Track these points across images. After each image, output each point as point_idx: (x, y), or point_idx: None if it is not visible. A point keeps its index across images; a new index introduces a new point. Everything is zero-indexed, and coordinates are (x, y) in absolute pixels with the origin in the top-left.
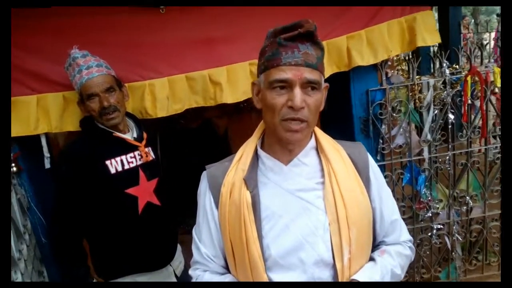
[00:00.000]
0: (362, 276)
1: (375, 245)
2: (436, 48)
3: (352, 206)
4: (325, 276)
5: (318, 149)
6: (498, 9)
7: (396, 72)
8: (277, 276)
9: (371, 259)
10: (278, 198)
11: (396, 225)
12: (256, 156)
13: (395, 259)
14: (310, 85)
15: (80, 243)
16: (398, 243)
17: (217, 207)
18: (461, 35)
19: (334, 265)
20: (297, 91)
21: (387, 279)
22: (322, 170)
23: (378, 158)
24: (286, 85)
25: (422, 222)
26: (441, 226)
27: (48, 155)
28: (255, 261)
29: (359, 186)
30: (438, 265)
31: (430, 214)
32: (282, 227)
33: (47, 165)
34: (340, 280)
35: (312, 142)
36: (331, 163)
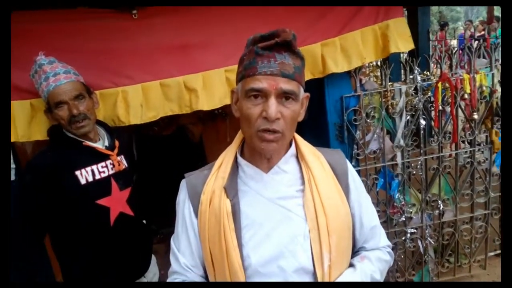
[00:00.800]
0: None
1: (355, 251)
2: (406, 56)
3: (332, 213)
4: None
5: (298, 156)
6: (462, 17)
7: (369, 78)
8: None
9: (351, 265)
10: (259, 206)
11: (375, 231)
12: (236, 164)
13: (374, 265)
14: (286, 96)
15: (41, 250)
16: (377, 248)
17: (196, 216)
18: (430, 42)
19: (314, 273)
20: (272, 101)
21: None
22: (302, 177)
23: (353, 163)
24: (261, 95)
25: (396, 227)
26: (415, 230)
27: (14, 166)
28: (235, 270)
29: (338, 193)
30: (412, 269)
31: (404, 219)
32: (263, 236)
33: (12, 176)
34: None
35: (292, 149)
36: (311, 170)
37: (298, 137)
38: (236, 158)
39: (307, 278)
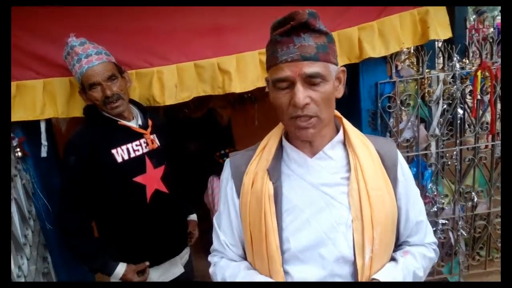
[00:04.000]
0: (383, 276)
1: (398, 245)
2: (440, 43)
3: (378, 205)
4: (345, 272)
5: (346, 143)
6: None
7: (406, 65)
8: (295, 269)
9: (393, 259)
10: (301, 191)
11: (421, 226)
12: (280, 146)
13: (418, 261)
14: (312, 79)
15: (92, 233)
16: (422, 244)
17: (238, 196)
18: (467, 30)
19: (354, 262)
20: (298, 88)
21: (409, 280)
22: (348, 164)
23: None
24: (289, 83)
25: (427, 217)
26: (446, 221)
27: (46, 143)
28: (273, 253)
29: (386, 184)
30: (441, 260)
31: (436, 209)
32: (303, 221)
33: (43, 153)
34: (360, 278)
35: (340, 135)
36: (358, 158)
37: (347, 123)
38: (281, 140)
39: (347, 268)
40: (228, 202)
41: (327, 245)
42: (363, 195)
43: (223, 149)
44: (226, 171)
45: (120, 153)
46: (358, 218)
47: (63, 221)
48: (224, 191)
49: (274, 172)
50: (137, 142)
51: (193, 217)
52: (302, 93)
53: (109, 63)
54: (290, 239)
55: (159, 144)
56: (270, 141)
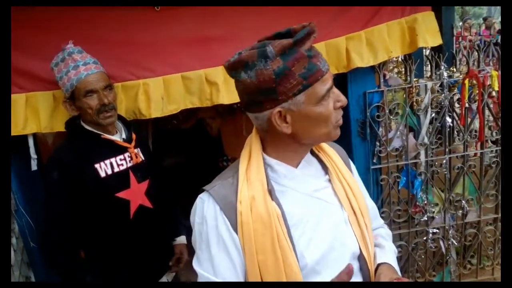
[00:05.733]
0: (387, 266)
1: None
2: (428, 51)
3: (359, 195)
4: (355, 268)
5: (314, 148)
6: (485, 13)
7: (393, 74)
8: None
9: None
10: (299, 203)
11: (376, 210)
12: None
13: (389, 241)
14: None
15: (77, 251)
16: (381, 226)
17: (235, 229)
18: (454, 38)
19: (361, 255)
20: (336, 90)
21: (395, 258)
22: (323, 168)
23: (375, 161)
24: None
25: (417, 226)
26: (437, 230)
27: (35, 157)
28: (295, 274)
29: (352, 177)
30: (433, 269)
31: (426, 218)
32: (311, 233)
33: (34, 167)
34: (370, 269)
35: None
36: (331, 158)
37: None
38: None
39: (355, 263)
40: (224, 241)
41: (338, 248)
42: (347, 189)
43: (221, 156)
44: (210, 207)
45: (104, 168)
46: (351, 213)
47: (48, 238)
48: (214, 231)
49: (273, 191)
50: (121, 156)
51: (181, 239)
52: None
53: (105, 74)
54: (304, 254)
55: (143, 158)
56: (253, 162)
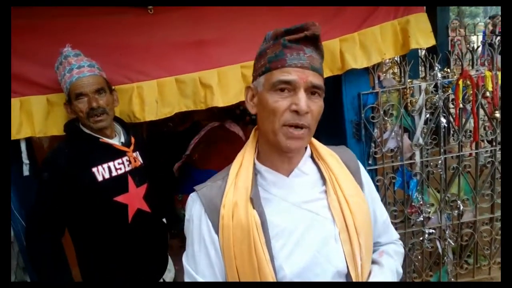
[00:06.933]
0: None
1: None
2: (424, 52)
3: (358, 211)
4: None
5: (315, 156)
6: (481, 12)
7: (387, 75)
8: None
9: (372, 261)
10: (285, 213)
11: (388, 225)
12: (253, 170)
13: (395, 259)
14: (313, 90)
15: (59, 249)
16: (392, 242)
17: (216, 231)
18: (449, 38)
19: (347, 275)
20: (302, 94)
21: (394, 279)
22: (322, 178)
23: (370, 162)
24: (290, 88)
25: (413, 227)
26: (433, 230)
27: (27, 162)
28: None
29: (357, 190)
30: (429, 270)
31: (422, 219)
32: (294, 244)
33: (26, 172)
34: None
35: (308, 150)
36: (331, 169)
37: (312, 137)
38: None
39: (342, 281)
40: (205, 241)
41: (321, 263)
42: (343, 204)
43: None
44: (196, 208)
45: (101, 172)
46: (343, 229)
47: (29, 240)
48: (197, 230)
49: (256, 199)
50: (120, 160)
51: None
52: (305, 101)
53: (100, 77)
54: (283, 266)
55: (142, 162)
56: (243, 167)
